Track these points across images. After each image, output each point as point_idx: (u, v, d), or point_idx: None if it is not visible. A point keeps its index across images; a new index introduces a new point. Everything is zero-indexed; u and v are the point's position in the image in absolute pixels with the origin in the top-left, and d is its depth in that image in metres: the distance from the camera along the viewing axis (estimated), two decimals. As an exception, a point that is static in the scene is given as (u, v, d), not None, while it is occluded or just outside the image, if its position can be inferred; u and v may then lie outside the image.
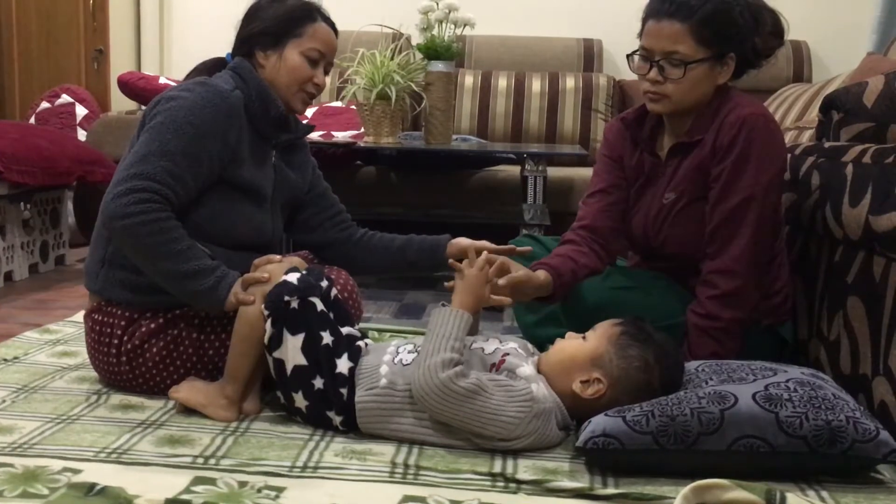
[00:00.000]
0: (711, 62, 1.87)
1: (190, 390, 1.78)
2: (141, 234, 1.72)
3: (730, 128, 1.86)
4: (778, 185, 1.94)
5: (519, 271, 1.84)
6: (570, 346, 1.71)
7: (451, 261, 1.86)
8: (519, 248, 1.98)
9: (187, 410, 1.77)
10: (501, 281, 1.78)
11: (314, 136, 3.44)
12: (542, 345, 1.95)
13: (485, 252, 1.80)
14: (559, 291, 1.93)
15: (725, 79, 1.91)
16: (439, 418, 1.61)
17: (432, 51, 3.23)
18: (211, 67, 2.01)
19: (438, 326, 1.66)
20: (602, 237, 2.03)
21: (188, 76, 2.01)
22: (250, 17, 1.97)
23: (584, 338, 1.71)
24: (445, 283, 1.80)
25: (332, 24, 1.99)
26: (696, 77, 1.87)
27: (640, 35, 1.92)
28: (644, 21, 1.92)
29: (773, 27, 1.93)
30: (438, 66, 3.23)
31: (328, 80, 2.02)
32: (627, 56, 1.98)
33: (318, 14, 1.97)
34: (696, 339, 1.89)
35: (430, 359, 1.59)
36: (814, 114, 3.14)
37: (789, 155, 2.12)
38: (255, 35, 1.94)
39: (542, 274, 1.89)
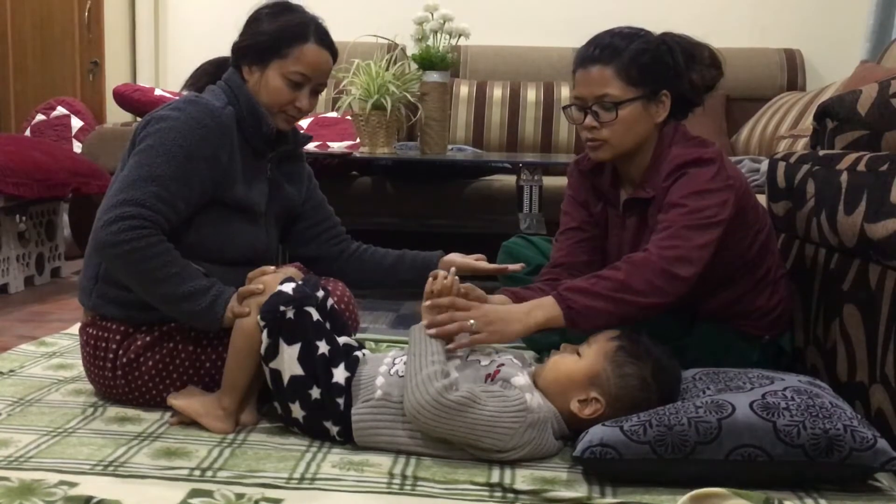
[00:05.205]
0: (644, 101, 1.86)
1: (188, 399, 1.78)
2: (133, 261, 1.71)
3: (664, 179, 1.83)
4: (729, 212, 1.81)
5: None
6: (566, 364, 1.69)
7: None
8: (510, 268, 1.97)
9: (184, 423, 1.76)
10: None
11: (310, 146, 3.44)
12: (543, 350, 1.94)
13: (441, 287, 1.76)
14: None
15: (662, 117, 1.89)
16: (435, 435, 1.61)
17: (427, 61, 3.23)
18: (216, 67, 1.99)
19: (413, 346, 1.67)
20: (579, 272, 1.96)
21: (192, 76, 2.00)
22: (246, 27, 1.92)
23: (578, 353, 1.70)
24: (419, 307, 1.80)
25: (328, 45, 1.91)
26: (629, 117, 1.85)
27: (573, 87, 1.92)
28: (574, 73, 1.91)
29: (710, 59, 1.91)
30: (434, 77, 3.24)
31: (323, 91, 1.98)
32: (563, 108, 1.98)
33: (311, 34, 1.88)
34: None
35: (416, 377, 1.60)
36: (808, 122, 3.15)
37: (784, 163, 2.12)
38: (243, 48, 1.91)
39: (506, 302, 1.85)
